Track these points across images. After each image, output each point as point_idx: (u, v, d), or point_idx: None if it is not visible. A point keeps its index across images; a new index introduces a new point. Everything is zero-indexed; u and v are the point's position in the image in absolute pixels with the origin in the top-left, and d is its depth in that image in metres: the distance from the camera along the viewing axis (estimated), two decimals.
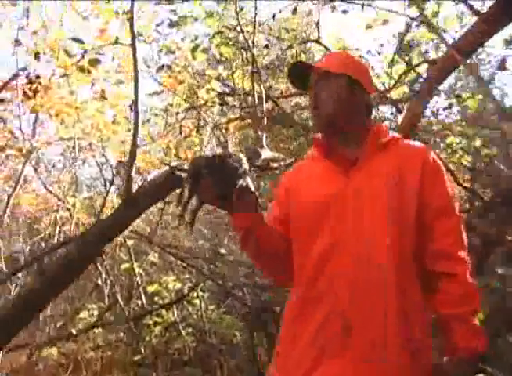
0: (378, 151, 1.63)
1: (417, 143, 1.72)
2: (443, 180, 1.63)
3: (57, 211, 7.86)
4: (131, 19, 2.90)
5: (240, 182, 1.47)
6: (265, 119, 3.95)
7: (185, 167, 2.73)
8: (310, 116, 1.77)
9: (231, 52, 5.39)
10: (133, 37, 2.87)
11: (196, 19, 5.28)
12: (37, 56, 4.20)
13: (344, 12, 5.26)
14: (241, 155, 1.52)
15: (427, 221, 1.57)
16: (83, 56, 3.69)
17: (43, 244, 8.99)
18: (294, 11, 4.98)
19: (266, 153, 3.47)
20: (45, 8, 6.17)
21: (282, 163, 3.64)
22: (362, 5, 3.74)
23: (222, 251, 6.75)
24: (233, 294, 6.00)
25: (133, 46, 2.89)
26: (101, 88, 4.49)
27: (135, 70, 2.73)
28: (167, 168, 2.65)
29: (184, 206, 1.47)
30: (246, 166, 1.49)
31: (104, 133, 6.47)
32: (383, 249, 1.50)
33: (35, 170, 7.67)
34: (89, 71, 3.99)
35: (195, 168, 1.46)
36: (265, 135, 3.73)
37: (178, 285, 6.27)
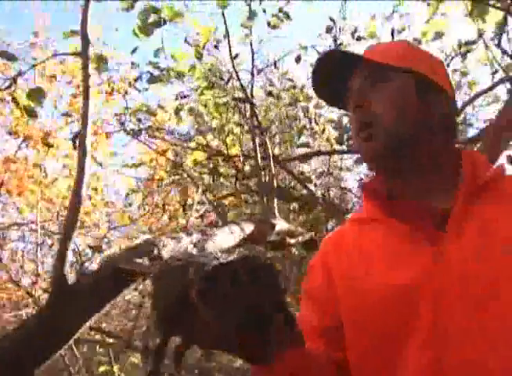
0: (477, 195, 1.02)
1: None
2: None
3: (26, 306, 6.82)
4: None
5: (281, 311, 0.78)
6: (275, 183, 3.05)
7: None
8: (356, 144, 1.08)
9: (222, 112, 4.58)
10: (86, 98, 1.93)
11: (181, 75, 4.50)
12: None
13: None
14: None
15: None
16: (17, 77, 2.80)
17: None
18: (298, 59, 4.21)
19: (281, 224, 2.53)
20: None
21: (300, 238, 2.70)
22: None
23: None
24: None
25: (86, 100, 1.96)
26: (42, 133, 3.59)
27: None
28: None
29: (157, 356, 0.75)
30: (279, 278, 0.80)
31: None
32: None
33: None
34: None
35: (181, 292, 0.72)
36: (276, 202, 2.80)
37: None
